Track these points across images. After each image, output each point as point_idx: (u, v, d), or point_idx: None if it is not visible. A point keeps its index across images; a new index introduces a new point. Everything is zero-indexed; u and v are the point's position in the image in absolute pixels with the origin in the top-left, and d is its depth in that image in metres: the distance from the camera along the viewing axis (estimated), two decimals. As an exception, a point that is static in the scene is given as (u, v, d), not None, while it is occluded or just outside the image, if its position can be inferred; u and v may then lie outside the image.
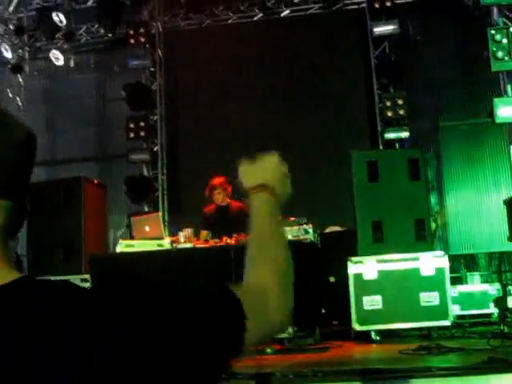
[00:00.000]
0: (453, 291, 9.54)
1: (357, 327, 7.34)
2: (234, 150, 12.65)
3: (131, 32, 13.34)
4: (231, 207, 8.52)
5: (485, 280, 11.38)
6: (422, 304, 7.28)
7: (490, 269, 11.94)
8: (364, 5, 12.69)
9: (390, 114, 11.80)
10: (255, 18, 13.97)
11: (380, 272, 7.40)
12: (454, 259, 11.59)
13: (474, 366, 4.11)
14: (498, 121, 10.13)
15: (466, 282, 11.02)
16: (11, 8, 14.36)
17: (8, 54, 14.27)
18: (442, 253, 7.53)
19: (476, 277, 11.39)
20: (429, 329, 7.32)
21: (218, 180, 8.57)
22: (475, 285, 10.49)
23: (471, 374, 3.91)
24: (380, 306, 7.32)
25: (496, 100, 10.19)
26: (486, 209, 12.08)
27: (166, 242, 7.64)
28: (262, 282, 1.40)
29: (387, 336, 7.41)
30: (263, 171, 1.62)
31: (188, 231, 7.93)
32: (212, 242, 7.82)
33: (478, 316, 9.21)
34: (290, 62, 13.02)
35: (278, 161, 1.69)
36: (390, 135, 11.91)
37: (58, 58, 14.15)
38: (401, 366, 4.38)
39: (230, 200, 8.59)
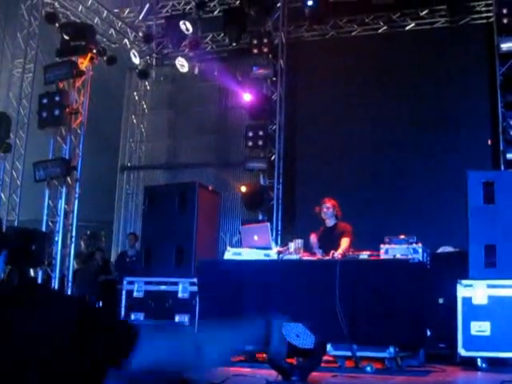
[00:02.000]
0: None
1: (463, 352, 7.12)
2: (351, 165, 12.68)
3: (255, 42, 13.53)
4: (338, 227, 8.49)
5: None
6: (534, 334, 6.97)
7: None
8: (492, 19, 12.33)
9: (513, 133, 11.42)
10: (379, 31, 13.86)
11: (490, 297, 7.15)
12: None
13: None
14: None
15: None
16: (141, 16, 14.86)
17: (136, 60, 14.80)
18: (556, 281, 7.18)
19: None
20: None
21: (329, 200, 8.59)
22: None
23: None
24: (488, 333, 7.07)
25: None
26: None
27: (273, 252, 7.68)
28: None
29: (495, 364, 7.15)
30: None
31: (298, 242, 7.93)
32: (319, 256, 7.80)
33: None
34: (414, 77, 12.84)
35: None
36: (513, 155, 11.53)
37: (183, 65, 14.56)
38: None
39: (337, 221, 8.57)
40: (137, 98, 15.98)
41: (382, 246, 7.51)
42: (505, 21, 11.66)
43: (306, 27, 14.18)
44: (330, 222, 8.55)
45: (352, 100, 13.06)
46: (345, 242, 8.18)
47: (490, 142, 11.91)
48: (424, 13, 13.46)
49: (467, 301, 7.21)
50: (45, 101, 11.92)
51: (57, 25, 12.82)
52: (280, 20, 13.78)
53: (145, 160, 15.92)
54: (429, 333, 7.41)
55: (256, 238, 7.91)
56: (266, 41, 13.52)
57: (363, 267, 7.19)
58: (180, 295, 8.46)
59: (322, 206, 8.53)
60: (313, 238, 8.34)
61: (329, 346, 6.55)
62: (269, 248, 7.76)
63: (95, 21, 14.30)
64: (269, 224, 8.82)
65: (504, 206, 7.46)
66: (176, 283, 8.51)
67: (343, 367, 6.91)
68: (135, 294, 8.67)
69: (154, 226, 9.13)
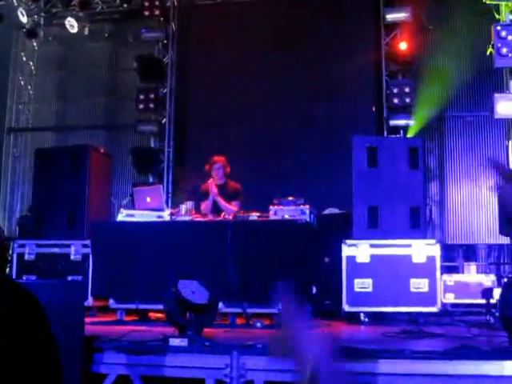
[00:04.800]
0: (448, 280, 9.74)
1: (347, 308, 7.53)
2: (241, 127, 12.89)
3: (146, 4, 13.43)
4: (228, 186, 8.70)
5: (482, 271, 11.50)
6: (412, 290, 7.44)
7: (489, 260, 12.08)
8: (378, -10, 12.75)
9: (396, 101, 11.93)
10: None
11: (373, 256, 7.57)
12: (451, 248, 11.76)
13: (445, 351, 4.28)
14: (496, 116, 10.19)
15: (463, 272, 11.15)
16: (29, -27, 14.46)
17: (24, 19, 14.41)
18: (433, 241, 7.67)
19: (473, 267, 11.49)
20: (416, 314, 7.49)
21: (218, 157, 8.76)
22: (471, 275, 10.61)
23: (441, 359, 4.08)
24: (370, 289, 7.50)
25: (496, 95, 10.24)
26: (486, 200, 12.20)
27: (166, 214, 7.83)
28: None
29: (376, 319, 7.60)
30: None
31: (189, 204, 8.10)
32: (210, 217, 8.01)
33: (471, 306, 9.33)
34: (301, 43, 13.08)
35: None
36: (396, 122, 12.07)
37: (72, 25, 14.29)
38: (378, 346, 4.56)
39: (227, 179, 8.77)
40: (24, 58, 15.56)
41: (271, 207, 7.79)
42: (390, -8, 12.13)
43: (197, -10, 14.19)
44: (220, 181, 8.74)
45: (242, 64, 13.19)
46: (235, 205, 8.44)
47: (374, 109, 12.39)
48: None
49: (351, 259, 7.61)
50: None
51: None
52: (172, -18, 13.75)
53: (33, 122, 15.57)
54: (315, 290, 7.76)
55: (148, 199, 8.02)
56: (157, 3, 13.44)
57: (253, 228, 7.44)
58: (72, 257, 8.49)
59: (213, 167, 8.69)
60: (213, 186, 8.52)
61: (220, 304, 6.77)
62: (161, 210, 7.90)
63: (-20, -24, 13.82)
64: (161, 186, 8.94)
65: (386, 170, 7.88)
66: (68, 245, 8.52)
67: (234, 323, 7.18)
68: (26, 257, 8.64)
69: (45, 188, 9.05)
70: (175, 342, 4.67)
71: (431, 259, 7.50)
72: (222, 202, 8.45)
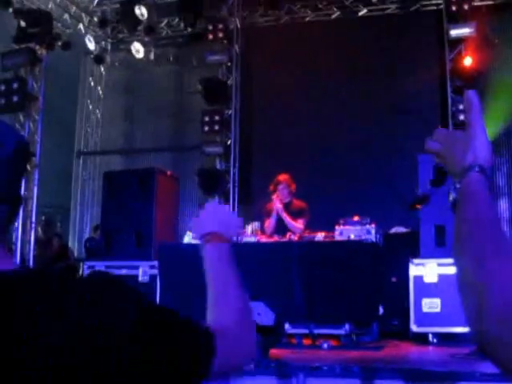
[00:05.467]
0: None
1: (414, 328, 7.45)
2: (305, 149, 12.93)
3: (210, 27, 13.60)
4: (293, 204, 8.71)
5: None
6: (481, 309, 7.29)
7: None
8: (441, 6, 12.65)
9: (462, 117, 11.77)
10: (333, 17, 14.10)
11: (440, 276, 7.47)
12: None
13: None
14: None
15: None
16: (96, 1, 14.84)
17: (91, 45, 14.79)
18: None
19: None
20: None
21: (283, 176, 8.78)
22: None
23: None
24: (438, 309, 7.40)
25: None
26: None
27: (232, 236, 7.87)
28: (225, 323, 1.55)
29: (445, 339, 7.49)
30: (211, 219, 1.78)
31: (255, 225, 8.16)
32: (276, 238, 8.04)
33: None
34: (365, 61, 13.09)
35: (221, 207, 1.87)
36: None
37: (138, 50, 14.60)
38: (447, 369, 4.50)
39: (293, 198, 8.78)
40: (92, 83, 15.98)
41: (336, 227, 7.78)
42: (453, 8, 12.01)
43: (260, 12, 14.33)
44: (285, 200, 8.75)
45: (306, 85, 13.25)
46: (301, 223, 8.45)
47: (440, 127, 12.24)
48: (376, -1, 13.74)
49: (419, 279, 7.53)
50: (2, 88, 11.96)
51: (10, 10, 12.76)
52: (235, 5, 13.91)
53: (101, 145, 15.95)
54: (382, 310, 7.71)
55: (215, 221, 8.08)
56: (221, 26, 13.61)
57: (318, 249, 7.44)
58: (140, 278, 8.62)
59: (278, 187, 8.71)
60: (277, 202, 8.53)
61: (287, 325, 6.78)
62: (228, 231, 7.94)
63: (49, 6, 14.22)
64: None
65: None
66: (136, 267, 8.66)
67: (301, 344, 7.17)
68: (96, 279, 8.78)
69: (114, 211, 9.25)
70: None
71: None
72: (287, 218, 8.45)
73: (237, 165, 13.60)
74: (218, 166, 13.78)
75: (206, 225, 1.76)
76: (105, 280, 1.33)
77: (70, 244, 14.56)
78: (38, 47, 11.92)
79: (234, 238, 1.84)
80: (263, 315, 5.22)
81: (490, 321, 1.12)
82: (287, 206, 8.67)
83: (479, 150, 1.39)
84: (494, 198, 8.83)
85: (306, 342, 7.21)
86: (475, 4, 12.35)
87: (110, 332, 1.22)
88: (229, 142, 13.65)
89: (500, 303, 1.11)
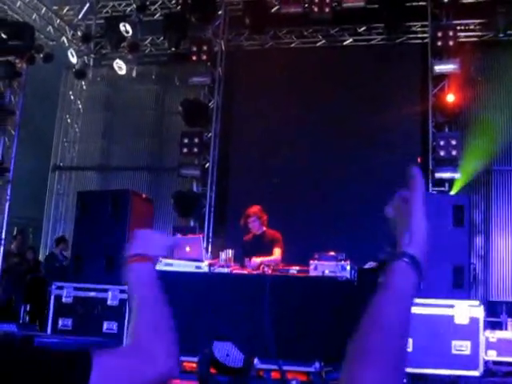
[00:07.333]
0: (491, 336, 9.44)
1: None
2: (284, 177, 12.83)
3: (194, 48, 13.51)
4: (266, 235, 8.58)
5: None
6: (453, 352, 7.22)
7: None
8: (427, 40, 12.67)
9: (442, 153, 11.76)
10: (317, 44, 14.09)
11: (413, 315, 7.36)
12: (495, 304, 11.47)
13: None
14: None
15: (506, 329, 10.84)
16: (81, 15, 14.73)
17: (73, 59, 14.65)
18: (477, 302, 7.47)
19: (517, 324, 11.17)
20: (457, 376, 7.26)
21: (252, 209, 8.64)
22: (515, 332, 10.30)
23: None
24: (410, 349, 7.29)
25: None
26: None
27: (204, 265, 7.74)
28: (136, 338, 1.60)
29: (416, 380, 7.38)
30: (138, 243, 1.84)
31: (229, 253, 8.01)
32: (250, 269, 7.90)
33: (514, 364, 9.04)
34: (347, 91, 13.05)
35: (149, 231, 1.93)
36: (441, 175, 11.89)
37: (120, 67, 14.48)
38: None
39: (265, 228, 8.65)
40: (72, 97, 15.80)
41: (311, 261, 7.65)
42: (439, 43, 12.04)
43: (245, 36, 14.27)
44: (257, 232, 8.64)
45: (288, 111, 13.18)
46: (277, 253, 8.29)
47: (419, 160, 12.22)
48: (362, 29, 13.73)
49: (391, 317, 7.41)
50: (-22, 101, 11.80)
51: (-7, 21, 12.61)
52: (221, 28, 13.86)
53: (77, 161, 15.75)
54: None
55: (188, 249, 7.96)
56: (205, 48, 13.52)
57: (292, 283, 7.32)
58: (109, 302, 8.45)
59: (248, 220, 8.59)
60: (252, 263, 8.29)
61: (255, 360, 6.63)
62: (200, 260, 7.82)
63: (33, 17, 14.08)
64: (201, 237, 8.88)
65: (429, 226, 7.70)
66: (106, 290, 8.50)
67: (269, 379, 7.02)
68: (64, 300, 8.62)
69: (86, 232, 9.10)
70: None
71: (474, 321, 7.30)
72: (264, 261, 8.24)
73: (214, 188, 13.48)
74: (195, 189, 13.64)
75: (133, 248, 1.83)
76: None
77: (40, 257, 14.33)
78: (17, 61, 11.73)
79: (159, 259, 1.97)
80: (232, 356, 5.09)
81: None
82: (261, 238, 8.55)
83: (416, 235, 1.32)
84: (471, 235, 8.76)
85: (275, 375, 7.06)
86: (460, 40, 12.38)
87: None
88: (207, 165, 13.53)
89: None
